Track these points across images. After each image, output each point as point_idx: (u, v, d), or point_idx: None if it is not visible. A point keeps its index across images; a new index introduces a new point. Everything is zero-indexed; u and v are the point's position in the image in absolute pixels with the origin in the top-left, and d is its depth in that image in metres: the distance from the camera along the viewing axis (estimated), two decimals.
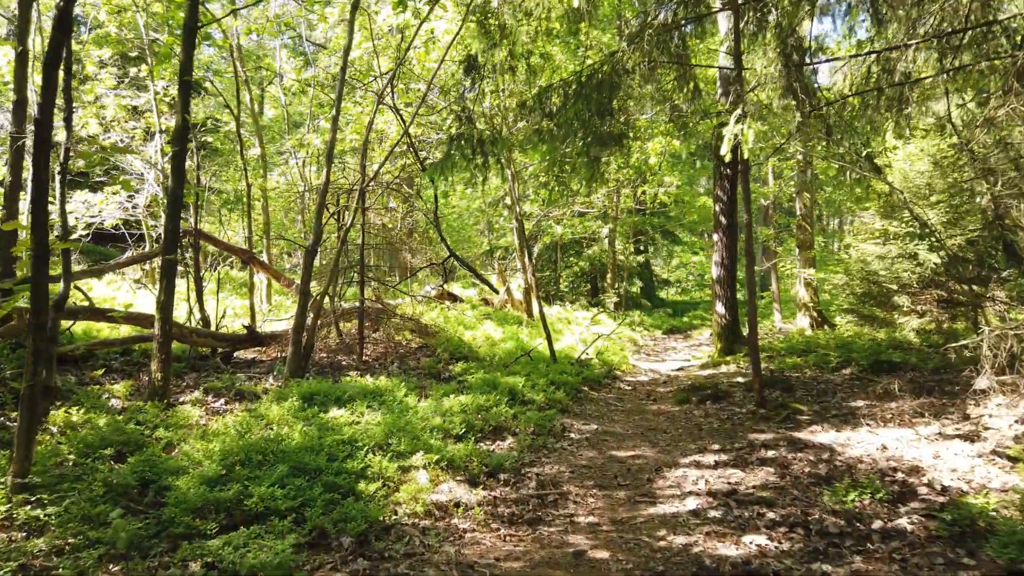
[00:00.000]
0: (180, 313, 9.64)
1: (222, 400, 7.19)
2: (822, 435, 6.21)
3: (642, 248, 23.83)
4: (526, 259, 17.84)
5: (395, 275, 13.34)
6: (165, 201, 12.26)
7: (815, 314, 14.54)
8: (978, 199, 12.00)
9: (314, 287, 8.86)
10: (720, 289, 12.25)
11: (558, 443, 6.49)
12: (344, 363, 9.76)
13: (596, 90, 7.17)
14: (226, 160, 18.80)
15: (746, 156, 6.24)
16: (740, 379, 9.84)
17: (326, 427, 5.84)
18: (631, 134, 8.61)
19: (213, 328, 9.66)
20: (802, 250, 14.98)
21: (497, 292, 12.00)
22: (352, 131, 10.91)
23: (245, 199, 11.28)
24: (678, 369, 12.07)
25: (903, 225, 12.45)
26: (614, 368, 11.15)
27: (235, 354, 9.64)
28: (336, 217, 10.35)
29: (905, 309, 12.30)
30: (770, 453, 5.76)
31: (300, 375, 7.93)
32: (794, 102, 9.06)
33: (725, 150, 6.06)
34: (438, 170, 7.31)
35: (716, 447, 6.11)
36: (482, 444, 6.28)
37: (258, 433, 5.52)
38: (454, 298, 14.41)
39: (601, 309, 20.18)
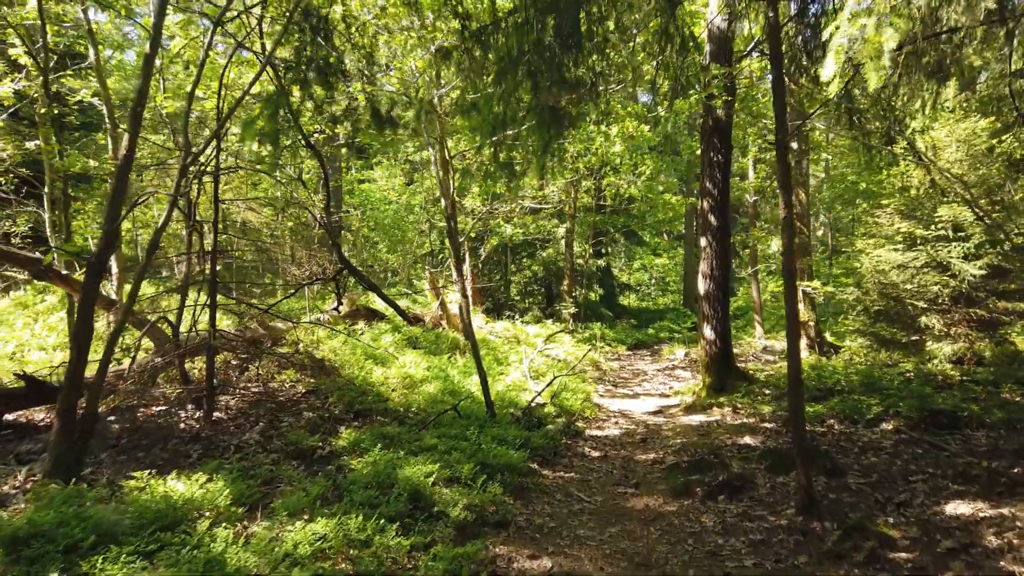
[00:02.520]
0: None
1: None
2: None
3: (603, 251, 21.15)
4: (465, 267, 14.93)
5: (292, 291, 10.22)
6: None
7: (814, 335, 12.07)
8: None
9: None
10: (709, 307, 9.56)
11: None
12: (184, 425, 6.64)
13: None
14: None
15: (872, 84, 3.44)
16: (749, 439, 7.12)
17: None
18: (605, 83, 5.78)
19: None
20: (798, 256, 12.49)
21: (411, 322, 9.05)
22: (215, 85, 7.79)
23: (62, 183, 8.01)
24: (656, 412, 9.33)
25: (932, 227, 10.03)
26: (575, 417, 8.31)
27: (14, 415, 6.42)
28: (185, 210, 7.20)
29: (936, 332, 9.86)
30: None
31: (69, 469, 4.80)
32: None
33: (830, 72, 3.27)
34: (256, 127, 4.29)
35: None
36: None
37: None
38: (374, 316, 11.35)
39: (558, 323, 17.38)
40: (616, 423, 8.58)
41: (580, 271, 19.51)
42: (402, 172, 22.37)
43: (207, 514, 4.27)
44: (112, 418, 6.54)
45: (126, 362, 7.32)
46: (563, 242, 19.09)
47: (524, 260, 21.19)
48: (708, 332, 9.56)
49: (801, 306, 12.36)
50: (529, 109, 4.64)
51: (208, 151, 5.84)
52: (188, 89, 7.21)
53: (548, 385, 8.45)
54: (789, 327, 4.94)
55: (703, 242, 9.66)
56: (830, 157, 13.99)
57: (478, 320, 13.49)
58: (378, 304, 13.20)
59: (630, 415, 9.16)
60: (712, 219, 9.50)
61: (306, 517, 4.32)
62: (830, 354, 11.77)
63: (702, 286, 9.65)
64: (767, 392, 9.02)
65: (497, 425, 6.79)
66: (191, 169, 6.78)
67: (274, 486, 5.04)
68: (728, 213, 9.65)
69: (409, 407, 7.62)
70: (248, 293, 9.59)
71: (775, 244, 23.25)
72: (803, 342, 12.29)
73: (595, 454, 6.99)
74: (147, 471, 4.81)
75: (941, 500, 4.92)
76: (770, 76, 9.90)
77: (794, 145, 12.65)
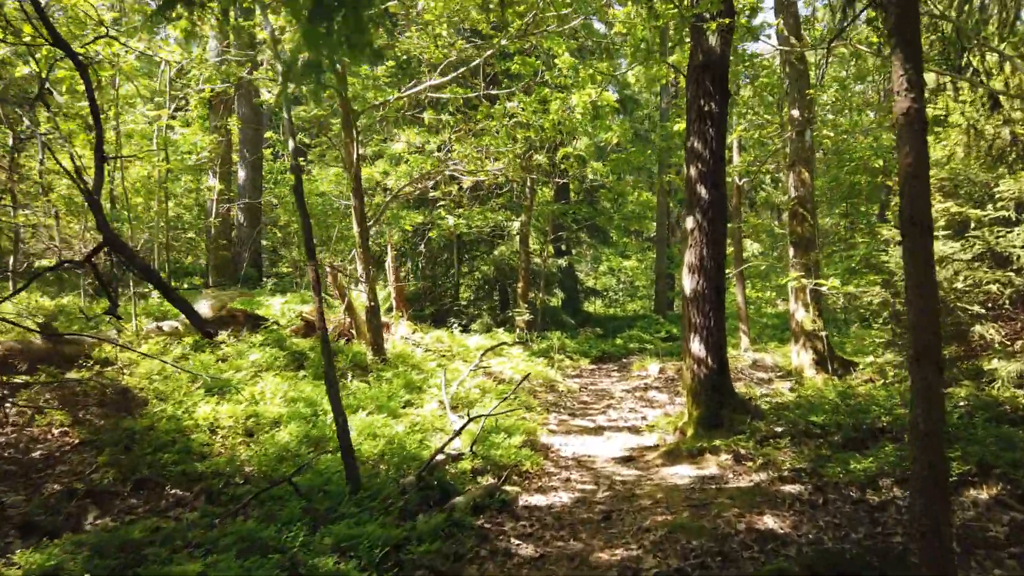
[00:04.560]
0: None
1: None
2: None
3: (563, 248, 18.51)
4: (389, 262, 12.17)
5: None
6: None
7: (823, 348, 9.58)
8: None
9: None
10: (697, 313, 6.94)
11: None
12: None
13: None
14: None
15: None
16: (772, 520, 4.50)
17: None
18: None
19: None
20: (799, 250, 10.02)
21: (208, 335, 6.25)
22: None
23: None
24: (627, 458, 6.67)
25: (991, 207, 7.62)
26: (508, 473, 5.59)
27: None
28: None
29: (997, 345, 7.43)
30: None
31: None
32: None
33: None
34: None
35: None
36: None
37: None
38: (256, 323, 8.49)
39: (512, 333, 14.68)
40: (568, 480, 5.87)
41: (538, 272, 16.85)
42: (338, 160, 19.50)
43: None
44: None
45: None
46: (518, 238, 16.41)
47: (478, 259, 18.49)
48: (696, 346, 6.94)
49: (804, 311, 9.87)
50: None
51: None
52: None
53: (464, 426, 5.65)
54: (918, 333, 2.29)
55: (689, 223, 7.05)
56: (831, 133, 11.60)
57: (402, 329, 10.71)
58: (272, 308, 10.31)
59: (590, 464, 6.48)
60: (701, 191, 6.91)
61: None
62: (843, 373, 9.29)
63: (688, 283, 7.03)
64: (779, 430, 6.42)
65: (359, 509, 4.01)
66: None
67: None
68: (724, 182, 7.08)
69: (240, 467, 4.81)
70: None
71: (753, 245, 20.84)
72: (807, 356, 9.80)
73: (526, 551, 4.25)
74: None
75: None
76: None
77: (794, 113, 10.21)
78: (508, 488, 5.24)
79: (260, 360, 7.14)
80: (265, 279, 16.52)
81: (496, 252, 16.95)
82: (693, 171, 7.03)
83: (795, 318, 9.98)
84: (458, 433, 5.40)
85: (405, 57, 10.21)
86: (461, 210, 14.99)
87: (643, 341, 16.72)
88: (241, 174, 16.32)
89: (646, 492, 5.41)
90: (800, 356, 9.85)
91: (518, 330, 14.87)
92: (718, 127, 6.92)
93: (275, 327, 8.22)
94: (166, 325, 7.61)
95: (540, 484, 5.73)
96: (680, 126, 12.08)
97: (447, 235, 15.08)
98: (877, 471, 5.13)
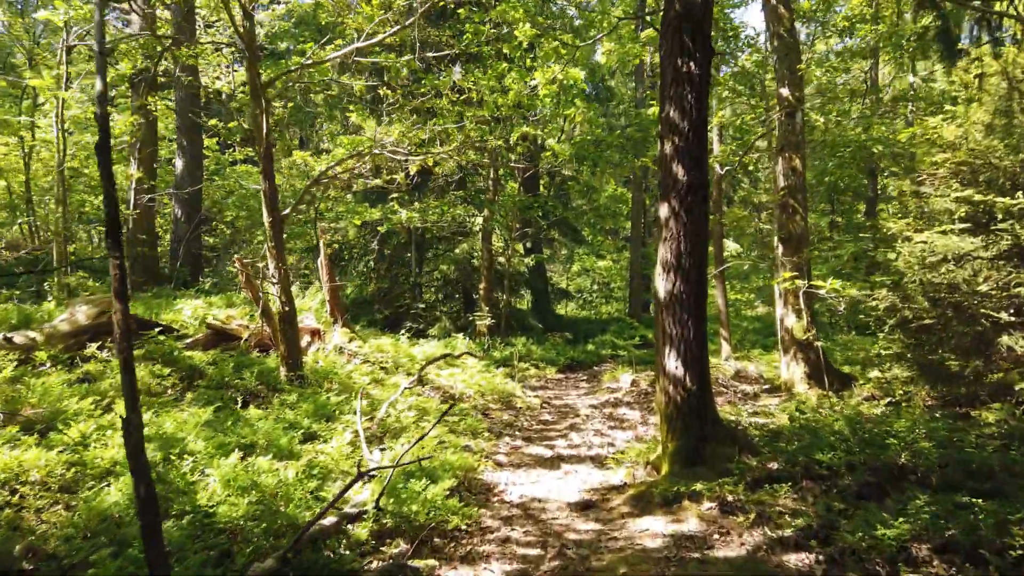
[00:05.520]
0: None
1: None
2: None
3: (530, 246, 17.16)
4: (322, 259, 10.72)
5: None
6: None
7: (815, 358, 8.38)
8: None
9: None
10: (672, 321, 5.62)
11: None
12: None
13: None
14: None
15: None
16: None
17: None
18: None
19: None
20: (789, 247, 8.82)
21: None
22: None
23: None
24: (585, 504, 5.33)
25: (1020, 193, 6.46)
26: (422, 534, 4.23)
27: None
28: None
29: None
30: None
31: None
32: None
33: None
34: None
35: None
36: None
37: None
38: (144, 329, 7.01)
39: (470, 338, 13.33)
40: (507, 541, 4.52)
41: (502, 272, 15.50)
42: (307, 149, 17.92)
43: None
44: None
45: None
46: (481, 235, 15.05)
47: (438, 258, 17.08)
48: (672, 363, 5.62)
49: (795, 317, 8.65)
50: None
51: None
52: None
53: (352, 484, 4.23)
54: None
55: (663, 211, 5.74)
56: (822, 118, 10.41)
57: (337, 337, 9.29)
58: (183, 313, 8.83)
59: (539, 513, 5.13)
60: (678, 171, 5.61)
61: None
62: (840, 388, 8.08)
63: (662, 285, 5.71)
64: (775, 467, 5.16)
65: None
66: None
67: None
68: (706, 159, 5.78)
69: (33, 546, 3.38)
70: None
71: (730, 244, 19.69)
72: (799, 369, 8.58)
73: None
74: None
75: None
76: None
77: (783, 92, 9.00)
78: (419, 563, 3.87)
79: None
80: (203, 279, 14.90)
81: (458, 250, 15.58)
82: (668, 147, 5.73)
83: (784, 325, 8.76)
84: (344, 492, 4.00)
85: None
86: (417, 204, 13.61)
87: (616, 347, 15.47)
88: (178, 164, 14.76)
89: (605, 563, 4.08)
90: (791, 369, 8.62)
91: (480, 336, 13.52)
92: (699, 92, 5.62)
93: (162, 336, 6.75)
94: (19, 336, 6.12)
95: (470, 548, 4.37)
96: (655, 110, 10.85)
97: (400, 230, 13.67)
98: (909, 534, 3.87)
